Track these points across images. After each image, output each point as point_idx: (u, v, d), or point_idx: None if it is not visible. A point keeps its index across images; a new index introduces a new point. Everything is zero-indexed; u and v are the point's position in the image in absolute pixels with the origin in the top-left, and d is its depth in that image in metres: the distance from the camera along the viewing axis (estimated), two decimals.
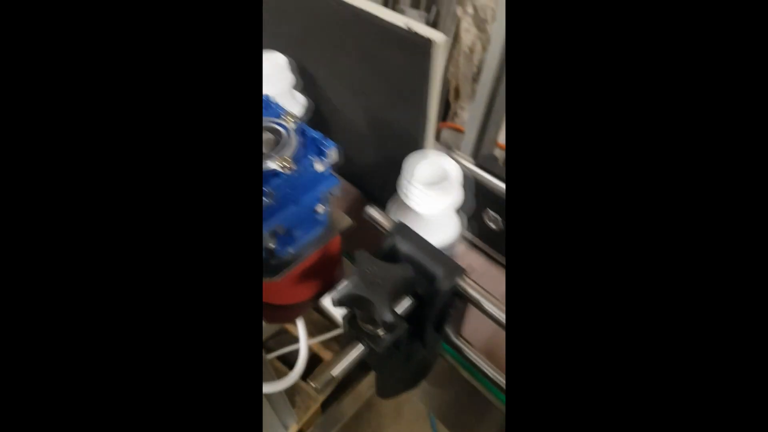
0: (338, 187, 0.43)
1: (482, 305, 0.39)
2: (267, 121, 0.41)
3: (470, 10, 1.23)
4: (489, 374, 0.44)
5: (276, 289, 0.48)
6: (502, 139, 1.17)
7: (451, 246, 0.51)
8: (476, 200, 0.57)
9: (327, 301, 0.50)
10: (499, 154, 1.21)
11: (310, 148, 0.41)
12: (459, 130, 1.27)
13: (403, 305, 0.40)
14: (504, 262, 0.61)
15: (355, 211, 0.48)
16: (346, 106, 0.54)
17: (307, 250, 0.45)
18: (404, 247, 0.40)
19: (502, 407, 0.50)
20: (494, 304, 0.38)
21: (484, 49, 1.24)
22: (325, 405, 1.23)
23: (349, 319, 0.41)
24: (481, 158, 0.66)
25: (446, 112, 1.43)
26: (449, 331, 0.44)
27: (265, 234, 0.40)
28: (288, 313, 0.51)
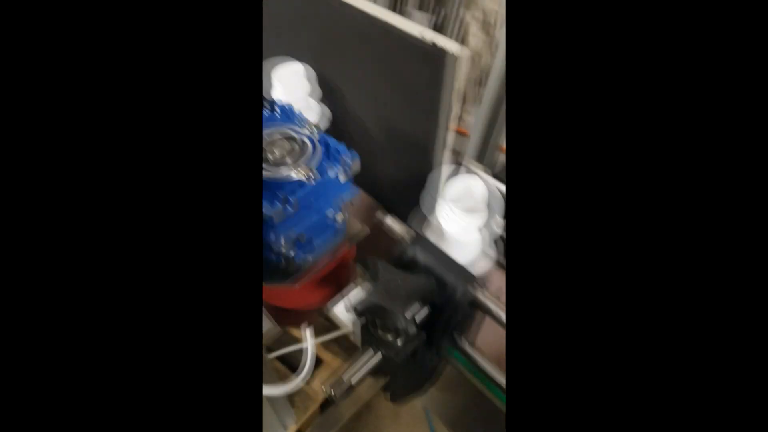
0: (357, 196, 0.44)
1: (497, 315, 0.40)
2: (290, 131, 0.42)
3: (478, 14, 1.23)
4: (500, 382, 0.45)
5: (290, 293, 0.48)
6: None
7: (474, 262, 0.51)
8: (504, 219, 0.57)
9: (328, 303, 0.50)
10: (503, 159, 1.22)
11: (332, 158, 0.41)
12: (464, 134, 1.28)
13: (420, 314, 0.40)
14: None
15: (368, 218, 0.48)
16: (362, 114, 0.54)
17: (324, 257, 0.45)
18: (422, 256, 0.40)
19: None
20: None
21: (491, 53, 1.25)
22: (324, 406, 1.24)
23: (365, 326, 0.41)
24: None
25: None
26: (462, 340, 0.44)
27: (286, 242, 0.41)
28: (299, 317, 0.52)
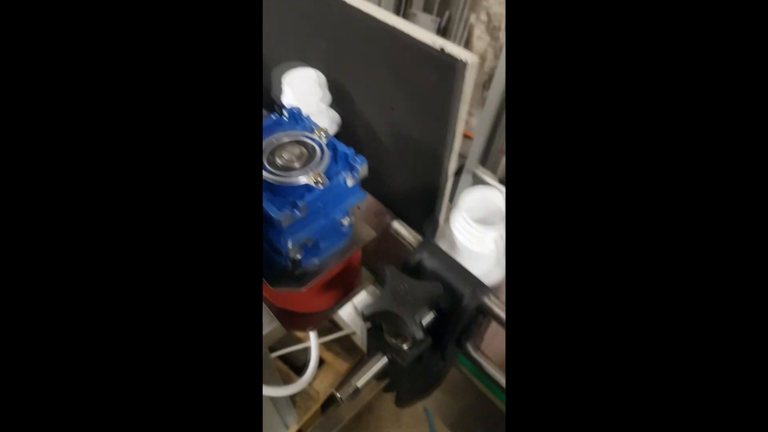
0: (365, 201, 0.44)
1: (503, 321, 0.40)
2: (299, 136, 0.42)
3: (483, 17, 1.24)
4: (504, 386, 0.45)
5: (297, 297, 0.48)
6: None
7: (488, 273, 0.51)
8: None
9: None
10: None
11: (341, 162, 0.42)
12: (467, 137, 1.28)
13: (427, 319, 0.41)
14: None
15: (377, 223, 0.48)
16: (372, 120, 0.54)
17: (332, 261, 0.45)
18: (429, 262, 0.41)
19: None
20: None
21: (496, 57, 1.25)
22: (325, 406, 1.24)
23: (373, 331, 0.42)
24: None
25: None
26: (469, 346, 0.45)
27: (294, 246, 0.41)
28: (306, 321, 0.52)
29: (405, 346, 0.39)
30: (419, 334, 0.34)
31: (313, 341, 0.58)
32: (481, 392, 0.52)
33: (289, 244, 0.40)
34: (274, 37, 0.64)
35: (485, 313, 0.40)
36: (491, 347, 0.48)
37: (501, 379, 0.45)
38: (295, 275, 0.44)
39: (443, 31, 1.34)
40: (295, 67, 0.56)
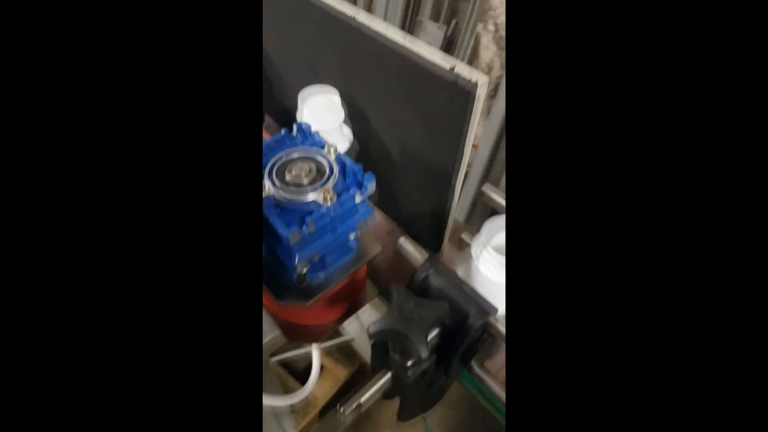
0: (372, 217, 0.44)
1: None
2: (309, 152, 0.42)
3: (491, 27, 1.24)
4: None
5: (302, 310, 0.48)
6: None
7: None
8: None
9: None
10: None
11: (349, 179, 0.42)
12: (473, 146, 1.29)
13: (432, 337, 0.41)
14: None
15: (387, 241, 0.49)
16: (385, 138, 0.54)
17: (337, 275, 0.46)
18: (436, 280, 0.41)
19: None
20: None
21: (502, 66, 1.25)
22: (323, 412, 1.24)
23: (378, 347, 0.42)
24: None
25: None
26: (472, 362, 0.45)
27: (301, 262, 0.41)
28: (310, 333, 0.52)
29: (409, 364, 0.40)
30: (425, 354, 0.35)
31: (315, 353, 0.58)
32: (481, 406, 0.52)
33: (297, 260, 0.40)
34: (287, 53, 0.64)
35: (489, 332, 0.40)
36: (494, 363, 0.48)
37: (501, 395, 0.45)
38: (300, 289, 0.44)
39: (450, 40, 1.35)
40: (310, 84, 0.56)
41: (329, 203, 0.39)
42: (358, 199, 0.41)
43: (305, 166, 0.41)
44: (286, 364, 1.22)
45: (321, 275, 0.45)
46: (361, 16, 0.48)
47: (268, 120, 0.79)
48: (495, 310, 0.39)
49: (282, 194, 0.39)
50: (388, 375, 0.40)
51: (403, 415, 0.49)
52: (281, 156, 0.42)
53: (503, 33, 1.23)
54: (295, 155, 0.42)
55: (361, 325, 1.02)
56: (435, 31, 1.36)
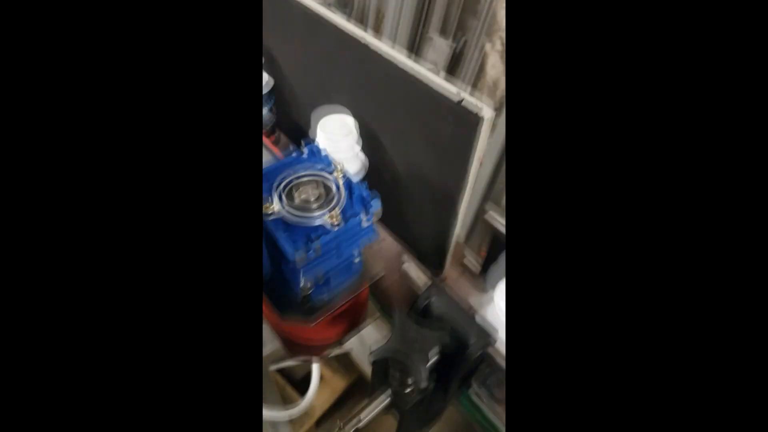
0: (377, 240, 0.45)
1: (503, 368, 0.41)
2: (318, 174, 0.43)
3: (498, 46, 1.25)
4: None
5: (305, 327, 0.49)
6: None
7: None
8: None
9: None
10: None
11: (356, 202, 0.43)
12: None
13: (432, 362, 0.41)
14: None
15: (393, 264, 0.49)
16: (394, 157, 0.55)
17: (341, 295, 0.46)
18: (438, 306, 0.42)
19: None
20: None
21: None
22: (320, 422, 1.24)
23: (378, 369, 0.42)
24: None
25: None
26: (470, 386, 0.45)
27: (305, 283, 0.42)
28: (311, 350, 0.53)
29: (409, 387, 0.40)
30: (425, 382, 0.35)
31: (315, 369, 0.59)
32: (479, 426, 0.52)
33: (302, 281, 0.41)
34: (301, 71, 0.65)
35: (488, 359, 0.41)
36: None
37: (499, 423, 0.46)
38: (304, 308, 0.45)
39: (458, 56, 1.36)
40: (321, 102, 0.57)
41: (336, 227, 0.39)
42: (364, 223, 0.42)
43: (314, 189, 0.42)
44: (285, 373, 1.22)
45: (325, 295, 0.46)
46: (373, 41, 0.49)
47: (282, 138, 0.80)
48: (495, 338, 0.40)
49: (290, 216, 0.40)
50: (388, 395, 0.41)
51: None
52: (291, 176, 0.43)
53: None
54: (304, 177, 0.43)
55: (360, 338, 1.03)
56: (443, 46, 1.38)
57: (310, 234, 0.40)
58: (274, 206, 0.40)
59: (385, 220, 0.61)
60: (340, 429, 0.40)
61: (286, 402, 1.13)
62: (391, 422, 0.51)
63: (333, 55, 0.55)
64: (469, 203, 0.50)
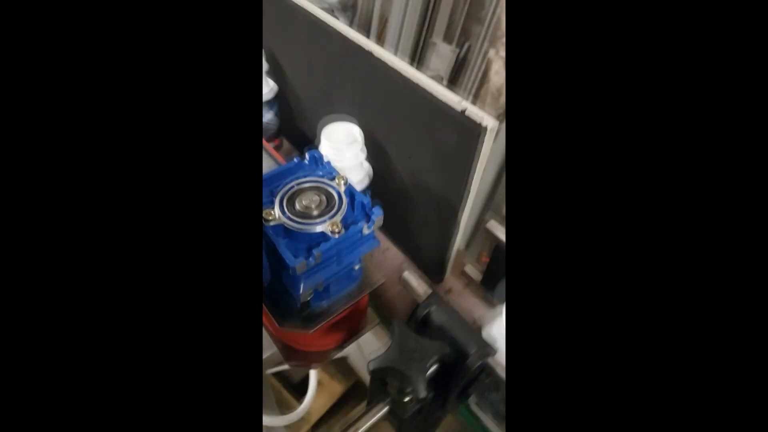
0: (379, 248, 0.45)
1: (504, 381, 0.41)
2: (319, 182, 0.43)
3: (502, 53, 1.26)
4: None
5: (303, 335, 0.49)
6: None
7: None
8: None
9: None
10: None
11: (357, 211, 0.43)
12: None
13: (431, 374, 0.41)
14: None
15: (395, 273, 0.49)
16: (397, 164, 0.55)
17: (340, 304, 0.46)
18: (438, 317, 0.41)
19: None
20: None
21: None
22: (316, 426, 1.23)
23: (376, 379, 0.42)
24: None
25: None
26: (470, 399, 0.45)
27: (305, 290, 0.42)
28: (310, 358, 0.53)
29: (407, 398, 0.40)
30: (423, 393, 0.35)
31: (312, 376, 0.59)
32: None
33: (302, 288, 0.41)
34: (305, 79, 0.66)
35: (488, 371, 0.40)
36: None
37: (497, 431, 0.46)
38: (303, 316, 0.45)
39: (462, 63, 1.36)
40: (326, 110, 0.57)
41: (337, 235, 0.39)
42: (365, 231, 0.42)
43: (315, 196, 0.42)
44: (281, 376, 1.22)
45: (324, 303, 0.45)
46: (377, 49, 0.49)
47: (285, 144, 0.80)
48: (494, 350, 0.40)
49: (291, 224, 0.40)
50: (386, 404, 0.40)
51: None
52: (292, 184, 0.43)
53: None
54: (306, 184, 0.43)
55: (358, 343, 1.03)
56: (447, 52, 1.38)
57: (310, 242, 0.40)
58: (275, 213, 0.40)
59: (386, 227, 0.61)
60: None
61: (282, 406, 1.12)
62: (389, 430, 0.51)
63: (337, 62, 0.55)
64: (471, 212, 0.50)
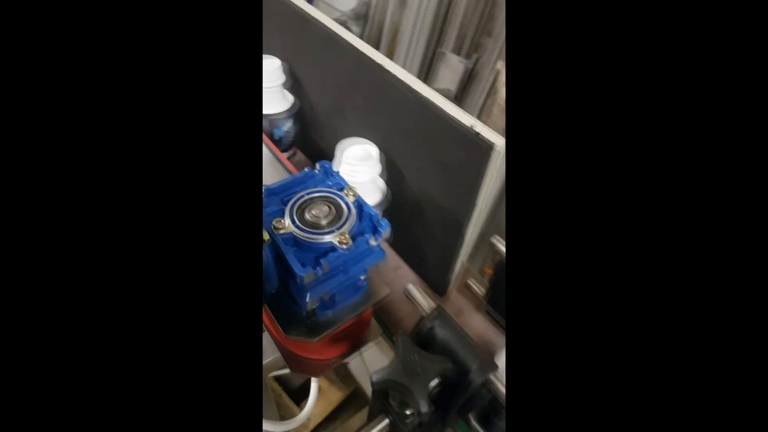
0: (384, 260, 0.45)
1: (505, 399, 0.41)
2: (329, 193, 0.44)
3: None
4: None
5: (307, 344, 0.49)
6: None
7: None
8: None
9: None
10: None
11: (365, 223, 0.43)
12: None
13: (433, 390, 0.41)
14: None
15: (394, 279, 0.49)
16: (403, 182, 0.56)
17: (345, 314, 0.46)
18: (442, 332, 0.42)
19: None
20: None
21: None
22: None
23: (379, 392, 0.42)
24: None
25: None
26: (470, 416, 0.45)
27: (311, 300, 0.42)
28: (313, 367, 0.53)
29: (408, 412, 0.40)
30: (425, 408, 0.35)
31: (313, 384, 0.59)
32: None
33: (308, 298, 0.42)
34: (321, 94, 0.66)
35: (489, 389, 0.41)
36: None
37: None
38: (308, 325, 0.45)
39: (472, 75, 1.37)
40: (339, 122, 0.58)
41: (345, 248, 0.40)
42: (372, 243, 0.42)
43: (325, 206, 0.42)
44: (281, 380, 1.22)
45: (329, 313, 0.46)
46: (389, 64, 0.50)
47: (300, 155, 0.81)
48: (496, 367, 0.40)
49: (301, 233, 0.40)
50: (386, 421, 0.41)
51: None
52: (303, 194, 0.43)
53: None
54: (316, 194, 0.44)
55: (359, 352, 1.03)
56: (457, 64, 1.39)
57: (318, 252, 0.40)
58: (286, 222, 0.41)
59: (394, 241, 0.62)
60: None
61: (281, 411, 1.13)
62: None
63: (350, 75, 0.56)
64: (476, 227, 0.51)
